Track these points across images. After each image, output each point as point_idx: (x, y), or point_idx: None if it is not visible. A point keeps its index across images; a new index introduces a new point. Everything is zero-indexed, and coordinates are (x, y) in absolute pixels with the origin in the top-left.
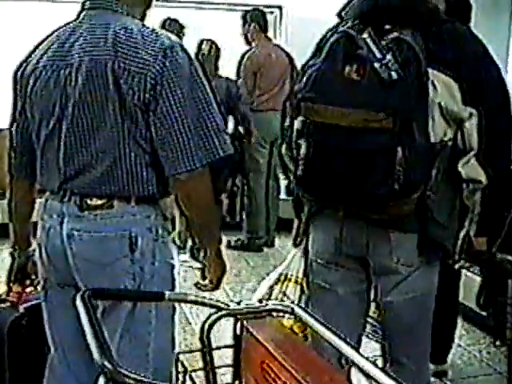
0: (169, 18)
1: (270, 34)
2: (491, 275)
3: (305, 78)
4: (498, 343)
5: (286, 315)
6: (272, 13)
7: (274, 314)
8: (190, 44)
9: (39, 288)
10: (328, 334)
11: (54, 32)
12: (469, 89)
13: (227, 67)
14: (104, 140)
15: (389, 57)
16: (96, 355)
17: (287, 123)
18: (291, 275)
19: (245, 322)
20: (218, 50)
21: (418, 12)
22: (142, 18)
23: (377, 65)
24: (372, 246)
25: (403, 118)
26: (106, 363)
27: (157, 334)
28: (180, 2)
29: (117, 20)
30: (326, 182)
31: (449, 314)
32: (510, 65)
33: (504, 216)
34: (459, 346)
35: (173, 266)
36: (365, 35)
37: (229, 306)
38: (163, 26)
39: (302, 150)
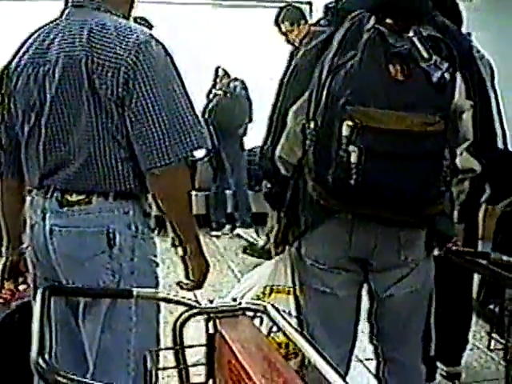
0: (138, 17)
1: None
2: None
3: (340, 79)
4: (491, 347)
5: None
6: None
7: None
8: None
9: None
10: (296, 336)
11: (37, 30)
12: (466, 81)
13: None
14: (80, 135)
15: (435, 57)
16: (33, 353)
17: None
18: (278, 286)
19: (217, 321)
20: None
21: (424, 5)
22: (127, 17)
23: (424, 65)
24: (380, 247)
25: (450, 120)
26: (40, 361)
27: (138, 331)
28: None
29: (94, 17)
30: (381, 189)
31: (462, 314)
32: None
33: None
34: (477, 348)
35: (155, 263)
36: (411, 33)
37: (200, 304)
38: None
39: (353, 158)
